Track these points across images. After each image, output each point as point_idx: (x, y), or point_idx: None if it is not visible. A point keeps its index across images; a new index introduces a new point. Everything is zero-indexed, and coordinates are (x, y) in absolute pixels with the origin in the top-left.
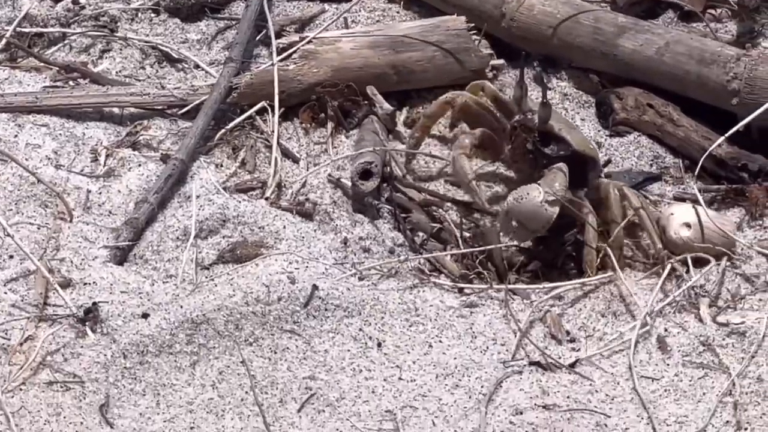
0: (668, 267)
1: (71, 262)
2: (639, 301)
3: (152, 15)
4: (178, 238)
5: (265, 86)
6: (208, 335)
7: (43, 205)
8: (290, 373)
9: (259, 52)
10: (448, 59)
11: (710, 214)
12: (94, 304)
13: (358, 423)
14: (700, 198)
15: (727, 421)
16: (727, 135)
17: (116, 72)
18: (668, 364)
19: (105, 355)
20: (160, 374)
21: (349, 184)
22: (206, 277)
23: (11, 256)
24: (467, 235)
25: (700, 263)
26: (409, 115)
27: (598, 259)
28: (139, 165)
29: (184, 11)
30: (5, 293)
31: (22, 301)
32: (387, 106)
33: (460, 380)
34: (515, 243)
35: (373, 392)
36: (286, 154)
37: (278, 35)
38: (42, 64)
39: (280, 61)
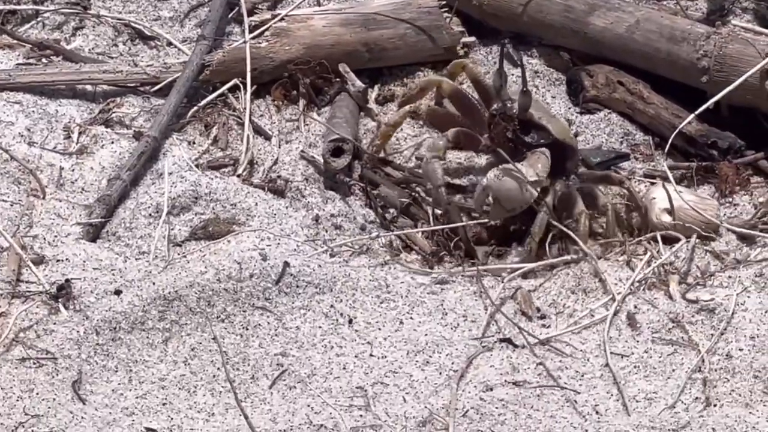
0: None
1: (44, 238)
2: (610, 279)
3: None
4: (150, 215)
5: (237, 64)
6: (180, 312)
7: (16, 182)
8: (262, 349)
9: (232, 30)
10: (420, 37)
11: (692, 199)
12: (67, 280)
13: (329, 399)
14: (670, 175)
15: (697, 398)
16: (696, 113)
17: (89, 49)
18: (638, 341)
19: (78, 331)
20: (132, 351)
21: (321, 161)
22: (178, 254)
23: None
24: (438, 212)
25: (670, 241)
26: (380, 93)
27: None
28: (112, 142)
29: None
30: None
31: None
32: (359, 83)
33: (430, 357)
34: (485, 221)
35: (344, 368)
36: (258, 131)
37: (250, 13)
38: (15, 41)
39: (253, 38)
